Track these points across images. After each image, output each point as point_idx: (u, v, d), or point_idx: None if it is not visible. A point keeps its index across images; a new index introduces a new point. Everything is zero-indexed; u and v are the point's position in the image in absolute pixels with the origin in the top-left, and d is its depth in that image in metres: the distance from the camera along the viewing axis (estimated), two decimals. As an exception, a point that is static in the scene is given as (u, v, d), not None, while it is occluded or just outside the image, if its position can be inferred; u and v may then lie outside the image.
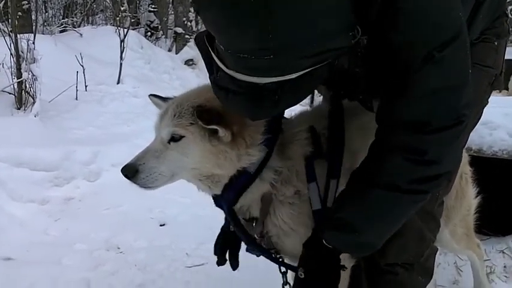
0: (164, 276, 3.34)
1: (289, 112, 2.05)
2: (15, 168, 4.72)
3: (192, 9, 13.60)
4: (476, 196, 2.85)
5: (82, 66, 7.75)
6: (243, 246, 2.21)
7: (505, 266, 3.48)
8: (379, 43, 1.59)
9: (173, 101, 1.98)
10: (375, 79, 1.72)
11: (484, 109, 2.24)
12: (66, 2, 13.89)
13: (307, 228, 1.95)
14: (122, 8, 10.23)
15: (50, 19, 13.56)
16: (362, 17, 1.48)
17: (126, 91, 8.24)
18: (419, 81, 1.59)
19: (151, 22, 15.17)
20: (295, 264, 1.97)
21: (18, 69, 6.48)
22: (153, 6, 15.31)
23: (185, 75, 11.31)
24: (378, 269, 2.12)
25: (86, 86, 7.87)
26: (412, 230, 2.08)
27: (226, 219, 2.19)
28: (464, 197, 2.65)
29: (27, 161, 4.87)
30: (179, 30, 13.96)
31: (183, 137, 1.86)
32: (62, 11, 14.09)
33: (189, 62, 12.60)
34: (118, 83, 8.59)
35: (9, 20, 7.47)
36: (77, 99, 7.49)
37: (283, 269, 2.22)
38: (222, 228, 2.26)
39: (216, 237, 2.32)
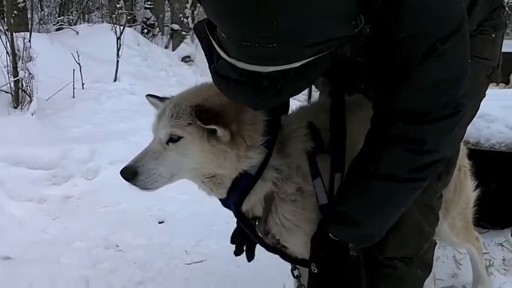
0: (163, 273, 3.34)
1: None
2: (13, 167, 4.71)
3: (188, 6, 13.56)
4: (475, 189, 2.85)
5: (79, 64, 7.74)
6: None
7: (504, 259, 3.49)
8: (381, 34, 1.59)
9: (170, 101, 1.96)
10: (376, 69, 1.72)
11: (482, 102, 2.24)
12: (62, 0, 13.82)
13: (311, 224, 1.95)
14: (118, 6, 10.19)
15: (46, 17, 13.49)
16: (365, 6, 1.47)
17: (123, 88, 8.22)
18: (420, 73, 1.59)
19: (148, 19, 15.13)
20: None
21: (15, 67, 6.46)
22: (149, 3, 15.25)
23: (182, 72, 11.28)
24: (377, 263, 2.12)
25: (82, 84, 7.85)
26: (411, 223, 2.08)
27: None
28: (463, 190, 2.65)
29: (25, 159, 4.87)
30: (176, 27, 13.91)
31: (182, 137, 1.85)
32: (57, 9, 14.00)
33: (186, 59, 12.57)
34: (115, 80, 8.57)
35: (5, 19, 7.42)
36: (74, 97, 7.48)
37: (296, 272, 2.25)
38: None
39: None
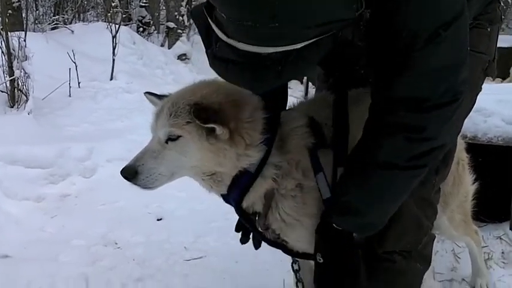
0: (162, 270, 3.34)
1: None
2: (9, 166, 4.70)
3: (183, 4, 13.56)
4: (473, 183, 2.86)
5: (74, 63, 7.73)
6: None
7: (502, 252, 3.51)
8: (382, 19, 1.59)
9: (168, 100, 1.96)
10: (376, 54, 1.72)
11: (478, 96, 2.24)
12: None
13: (311, 219, 1.96)
14: (113, 4, 10.15)
15: (41, 17, 13.45)
16: None
17: (119, 87, 8.22)
18: (421, 59, 1.60)
19: (143, 17, 15.11)
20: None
21: (10, 67, 6.45)
22: (144, 1, 15.22)
23: (178, 70, 11.29)
24: (376, 257, 2.13)
25: (79, 83, 7.84)
26: (410, 217, 2.09)
27: None
28: (462, 183, 2.67)
29: (22, 158, 4.85)
30: (171, 25, 13.92)
31: (181, 136, 1.84)
32: (52, 9, 13.97)
33: (182, 57, 12.59)
34: (111, 79, 8.56)
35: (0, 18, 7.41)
36: (70, 96, 7.47)
37: (295, 266, 2.25)
38: None
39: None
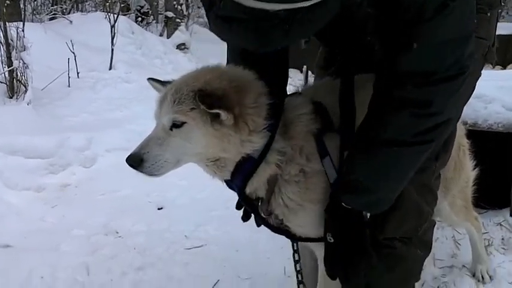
0: (163, 258, 3.35)
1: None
2: (9, 156, 4.71)
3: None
4: (473, 169, 2.86)
5: (73, 53, 7.70)
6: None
7: (502, 239, 3.51)
8: None
9: (171, 86, 1.94)
10: (383, 26, 1.71)
11: (478, 83, 2.23)
12: (54, -11, 13.75)
13: (314, 204, 1.97)
14: (111, -6, 10.13)
15: (39, 7, 13.40)
16: None
17: (118, 77, 8.20)
18: (429, 30, 1.59)
19: (142, 7, 15.08)
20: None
21: (9, 57, 6.42)
22: (142, -9, 15.20)
23: (177, 59, 11.26)
24: (376, 244, 2.13)
25: (77, 73, 7.82)
26: (410, 203, 2.09)
27: None
28: (463, 168, 2.67)
29: (22, 149, 4.85)
30: (170, 14, 13.87)
31: (185, 123, 1.83)
32: (50, -1, 13.96)
33: (180, 46, 12.55)
34: (110, 69, 8.54)
35: (-3, 9, 7.38)
36: (69, 86, 7.46)
37: (296, 257, 2.28)
38: None
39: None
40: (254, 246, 3.43)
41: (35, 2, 13.38)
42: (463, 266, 3.16)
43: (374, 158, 1.79)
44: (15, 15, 9.05)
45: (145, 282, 3.09)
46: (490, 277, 3.04)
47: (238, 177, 1.94)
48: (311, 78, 2.47)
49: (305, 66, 6.15)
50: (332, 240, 1.90)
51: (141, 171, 1.86)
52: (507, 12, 18.87)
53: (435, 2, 1.56)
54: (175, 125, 1.85)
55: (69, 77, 7.48)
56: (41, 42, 7.56)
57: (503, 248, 3.39)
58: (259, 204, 2.03)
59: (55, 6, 12.82)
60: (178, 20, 13.61)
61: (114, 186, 4.59)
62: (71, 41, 7.80)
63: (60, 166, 4.96)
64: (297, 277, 2.33)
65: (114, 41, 8.74)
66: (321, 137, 1.94)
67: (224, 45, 2.18)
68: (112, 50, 8.65)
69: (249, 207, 2.07)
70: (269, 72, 1.97)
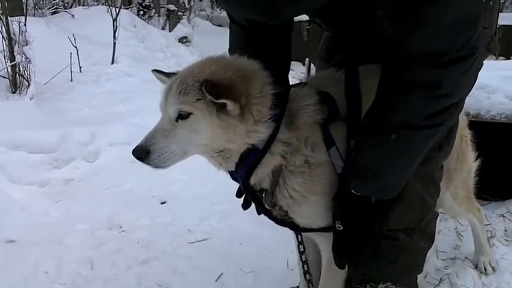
0: (167, 252, 3.36)
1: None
2: (12, 151, 4.71)
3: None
4: (476, 160, 2.85)
5: (75, 47, 7.69)
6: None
7: (505, 230, 3.52)
8: None
9: (176, 77, 1.93)
10: (393, 6, 1.70)
11: (481, 73, 2.22)
12: (56, -16, 13.72)
13: (318, 195, 1.97)
14: (113, -13, 10.10)
15: (41, 2, 13.38)
16: None
17: (121, 71, 8.18)
18: (439, 12, 1.60)
19: (144, 1, 15.04)
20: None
21: (11, 52, 6.42)
22: (144, -16, 15.15)
23: (179, 52, 11.22)
24: (380, 235, 2.14)
25: (80, 67, 7.81)
26: (413, 195, 2.10)
27: None
28: (465, 159, 2.66)
29: (25, 143, 4.85)
30: (172, 7, 13.84)
31: (191, 114, 1.83)
32: (52, -7, 13.92)
33: (183, 40, 12.51)
34: (112, 62, 8.52)
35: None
36: (72, 80, 7.44)
37: (301, 248, 2.29)
38: None
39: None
40: (257, 239, 3.44)
41: (37, -3, 13.38)
42: (466, 257, 3.16)
43: (383, 143, 1.78)
44: (18, 10, 9.03)
45: (150, 275, 3.10)
46: (492, 268, 3.04)
47: (243, 168, 1.94)
48: (313, 71, 2.46)
49: (307, 59, 6.15)
50: (341, 228, 1.90)
51: (148, 164, 1.86)
52: (511, 3, 18.71)
53: None
54: (181, 116, 1.85)
55: (71, 72, 7.46)
56: (43, 36, 7.54)
57: (506, 240, 3.40)
58: (264, 195, 2.03)
59: (57, 1, 12.78)
60: (180, 13, 13.58)
61: (118, 180, 4.60)
62: (73, 35, 7.78)
63: (63, 161, 4.96)
64: (303, 267, 2.34)
65: (116, 35, 8.71)
66: (327, 127, 1.94)
67: (226, 38, 2.18)
68: (114, 43, 8.62)
69: (252, 199, 2.07)
70: (272, 63, 1.97)
